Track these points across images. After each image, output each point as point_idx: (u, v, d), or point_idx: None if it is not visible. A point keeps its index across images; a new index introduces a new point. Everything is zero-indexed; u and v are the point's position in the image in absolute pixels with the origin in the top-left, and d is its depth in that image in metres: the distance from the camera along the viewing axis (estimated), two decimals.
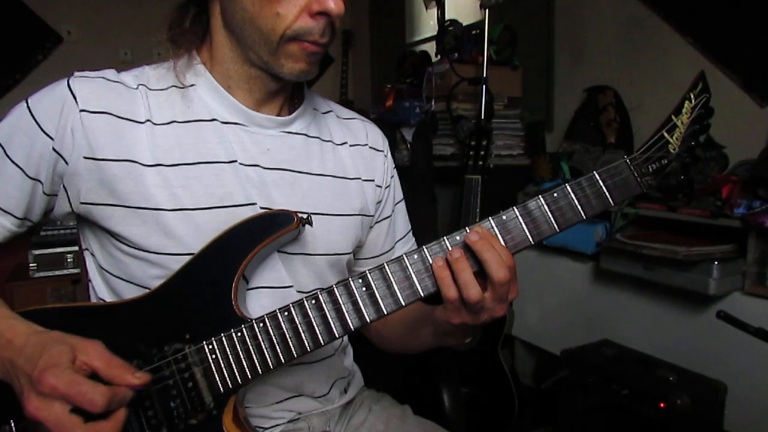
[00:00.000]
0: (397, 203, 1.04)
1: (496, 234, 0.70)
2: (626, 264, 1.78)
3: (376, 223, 1.00)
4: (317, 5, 0.74)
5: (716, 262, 1.54)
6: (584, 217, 0.70)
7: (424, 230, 2.21)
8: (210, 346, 0.74)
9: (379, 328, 1.00)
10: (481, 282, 0.68)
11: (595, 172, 0.70)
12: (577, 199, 0.70)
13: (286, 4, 0.74)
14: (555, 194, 0.70)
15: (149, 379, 0.70)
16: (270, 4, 0.74)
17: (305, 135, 0.90)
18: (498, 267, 0.66)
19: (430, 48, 2.81)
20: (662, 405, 1.46)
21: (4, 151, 0.77)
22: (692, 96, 0.69)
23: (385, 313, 0.70)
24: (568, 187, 0.70)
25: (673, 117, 0.69)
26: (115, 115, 0.78)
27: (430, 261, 0.70)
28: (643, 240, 1.71)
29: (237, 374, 0.73)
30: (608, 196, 0.69)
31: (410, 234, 1.07)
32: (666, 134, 0.69)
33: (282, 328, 0.72)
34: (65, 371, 0.65)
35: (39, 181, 0.78)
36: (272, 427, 0.88)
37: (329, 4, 0.73)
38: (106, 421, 0.66)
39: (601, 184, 0.69)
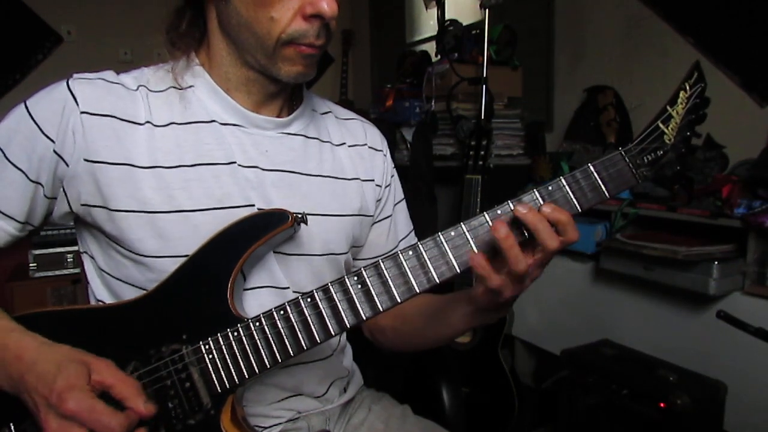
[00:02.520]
0: (398, 203, 1.03)
1: None
2: (626, 264, 1.78)
3: (376, 222, 0.99)
4: (310, 8, 0.73)
5: (716, 262, 1.54)
6: (579, 209, 0.69)
7: (424, 230, 2.20)
8: (207, 346, 0.74)
9: (397, 326, 0.97)
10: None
11: (589, 164, 0.69)
12: (572, 191, 0.69)
13: (280, 8, 0.73)
14: (550, 187, 0.69)
15: (155, 411, 0.70)
16: (264, 9, 0.74)
17: (304, 136, 0.90)
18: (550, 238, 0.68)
19: (430, 48, 2.80)
20: (662, 405, 1.46)
21: (4, 154, 0.77)
22: (687, 86, 0.68)
23: (381, 310, 0.70)
24: (563, 180, 0.69)
25: (668, 107, 0.68)
26: (115, 117, 0.77)
27: (426, 257, 0.69)
28: (643, 240, 1.71)
29: (234, 374, 0.73)
30: (603, 189, 0.69)
31: (413, 234, 1.07)
32: (661, 125, 0.68)
33: (278, 327, 0.72)
34: (85, 395, 0.65)
35: (40, 184, 0.78)
36: (271, 426, 0.87)
37: (322, 7, 0.73)
38: None
39: (596, 176, 0.69)
